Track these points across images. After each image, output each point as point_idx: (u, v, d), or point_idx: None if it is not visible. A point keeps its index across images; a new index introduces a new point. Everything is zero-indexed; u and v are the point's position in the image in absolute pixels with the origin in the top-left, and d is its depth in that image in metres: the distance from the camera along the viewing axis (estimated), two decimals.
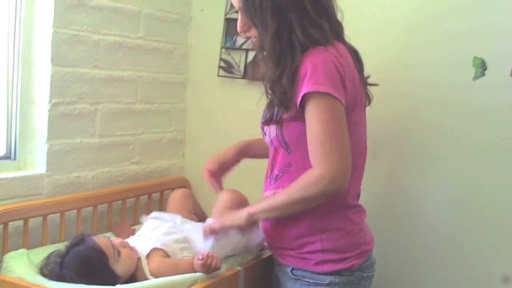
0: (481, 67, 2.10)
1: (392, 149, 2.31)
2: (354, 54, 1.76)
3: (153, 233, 1.95)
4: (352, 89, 1.65)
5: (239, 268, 1.90)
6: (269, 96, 1.71)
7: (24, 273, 1.77)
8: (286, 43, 1.62)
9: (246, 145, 2.07)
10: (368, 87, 1.83)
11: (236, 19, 2.55)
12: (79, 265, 1.72)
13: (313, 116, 1.59)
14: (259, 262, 1.98)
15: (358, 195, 1.83)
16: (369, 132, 1.85)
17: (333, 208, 1.70)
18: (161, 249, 1.87)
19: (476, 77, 2.12)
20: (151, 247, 1.87)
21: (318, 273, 1.71)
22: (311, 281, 1.72)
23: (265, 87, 1.71)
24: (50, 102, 2.15)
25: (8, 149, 2.18)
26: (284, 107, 1.64)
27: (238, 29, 1.77)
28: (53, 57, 2.14)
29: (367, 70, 1.83)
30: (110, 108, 2.41)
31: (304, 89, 1.57)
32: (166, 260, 1.86)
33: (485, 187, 2.13)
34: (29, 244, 2.00)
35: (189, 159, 2.87)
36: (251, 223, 1.77)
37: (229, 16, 2.64)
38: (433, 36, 2.19)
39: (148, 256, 1.85)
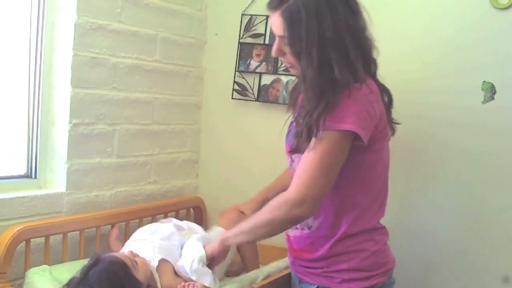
0: (490, 91, 2.15)
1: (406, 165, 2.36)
2: (385, 92, 1.78)
3: (152, 236, 1.99)
4: (379, 124, 1.67)
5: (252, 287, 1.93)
6: (299, 124, 1.67)
7: None
8: (328, 80, 1.59)
9: (264, 199, 2.10)
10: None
11: (250, 44, 2.70)
12: (107, 282, 1.70)
13: (317, 143, 1.60)
14: (273, 281, 2.01)
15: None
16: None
17: (360, 231, 1.74)
18: (168, 261, 1.90)
19: (485, 101, 2.17)
20: (158, 258, 1.89)
21: None
22: None
23: (296, 115, 1.70)
24: (70, 122, 2.20)
25: (29, 168, 2.23)
26: (308, 138, 1.63)
27: (273, 54, 1.73)
28: (73, 79, 2.19)
29: None
30: (127, 129, 2.46)
31: (325, 126, 1.59)
32: (177, 279, 1.88)
33: (487, 193, 2.19)
34: (50, 260, 2.04)
35: (203, 179, 2.91)
36: (225, 248, 1.82)
37: (242, 40, 2.70)
38: (445, 65, 2.25)
39: (157, 268, 1.88)
